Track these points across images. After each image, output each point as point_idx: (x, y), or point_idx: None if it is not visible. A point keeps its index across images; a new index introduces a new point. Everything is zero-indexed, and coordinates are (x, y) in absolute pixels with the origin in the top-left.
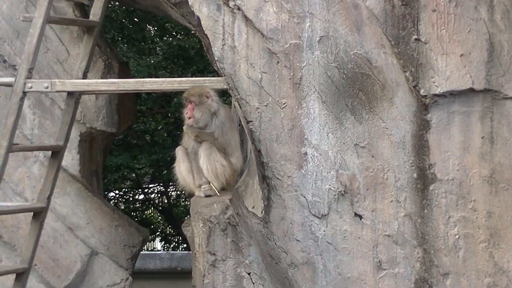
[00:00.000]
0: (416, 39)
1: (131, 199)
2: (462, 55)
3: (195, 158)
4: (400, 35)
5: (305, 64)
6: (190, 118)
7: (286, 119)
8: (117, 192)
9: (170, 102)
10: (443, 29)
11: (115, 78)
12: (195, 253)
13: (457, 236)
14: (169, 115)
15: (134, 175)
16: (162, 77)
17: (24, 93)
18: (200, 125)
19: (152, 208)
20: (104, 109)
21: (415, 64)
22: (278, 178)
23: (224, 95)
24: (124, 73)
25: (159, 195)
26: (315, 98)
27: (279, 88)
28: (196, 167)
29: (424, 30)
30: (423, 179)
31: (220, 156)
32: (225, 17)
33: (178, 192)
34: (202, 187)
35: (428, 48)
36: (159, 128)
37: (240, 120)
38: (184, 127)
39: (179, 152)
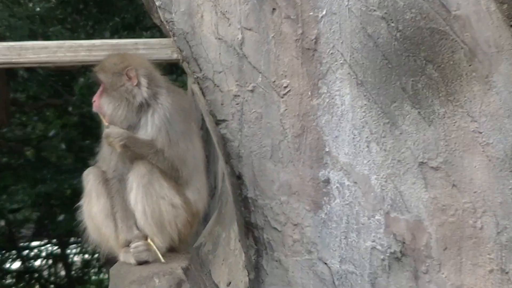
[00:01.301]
0: None
1: None
2: None
3: (120, 189)
4: None
5: (324, 13)
6: (101, 113)
7: (289, 117)
8: None
9: (73, 86)
10: None
11: None
12: None
13: None
14: (70, 109)
15: (3, 223)
16: (57, 40)
17: None
18: (123, 126)
19: (38, 286)
20: None
21: None
22: (275, 228)
23: (176, 71)
24: None
25: (50, 261)
26: (344, 76)
27: (277, 58)
28: (122, 208)
29: None
30: None
31: (167, 187)
32: None
33: (87, 256)
34: (133, 245)
35: None
36: (51, 134)
37: (203, 119)
38: (104, 132)
39: (90, 178)
